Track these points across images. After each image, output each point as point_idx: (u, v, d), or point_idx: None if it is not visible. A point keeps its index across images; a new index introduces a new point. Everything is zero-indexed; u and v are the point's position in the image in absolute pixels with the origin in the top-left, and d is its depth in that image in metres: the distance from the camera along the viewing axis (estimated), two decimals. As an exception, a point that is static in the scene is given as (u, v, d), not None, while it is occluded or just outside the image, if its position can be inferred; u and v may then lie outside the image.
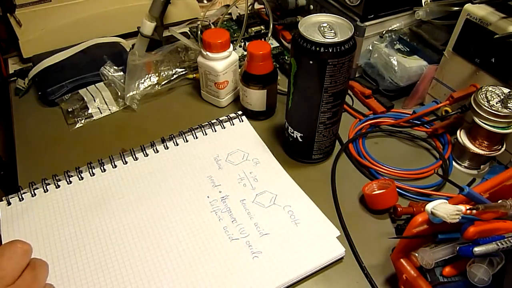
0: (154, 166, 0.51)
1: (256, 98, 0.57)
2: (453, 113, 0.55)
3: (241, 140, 0.55)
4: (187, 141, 0.55)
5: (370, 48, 0.62)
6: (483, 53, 0.51)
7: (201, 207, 0.47)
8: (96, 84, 0.63)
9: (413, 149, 0.57)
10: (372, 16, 0.59)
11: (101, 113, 0.60)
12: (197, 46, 0.67)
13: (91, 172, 0.50)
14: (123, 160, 0.51)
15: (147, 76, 0.62)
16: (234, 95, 0.63)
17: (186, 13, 0.77)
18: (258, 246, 0.43)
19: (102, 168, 0.50)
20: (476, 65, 0.53)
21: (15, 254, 0.37)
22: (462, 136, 0.53)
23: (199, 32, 0.71)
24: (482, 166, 0.54)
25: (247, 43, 0.70)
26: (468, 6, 0.51)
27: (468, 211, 0.33)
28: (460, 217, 0.33)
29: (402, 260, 0.39)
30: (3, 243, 0.43)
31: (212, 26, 0.72)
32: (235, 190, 0.49)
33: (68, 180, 0.49)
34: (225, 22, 0.76)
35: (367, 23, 0.59)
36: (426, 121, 0.58)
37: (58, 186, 0.48)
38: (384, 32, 0.62)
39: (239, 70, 0.61)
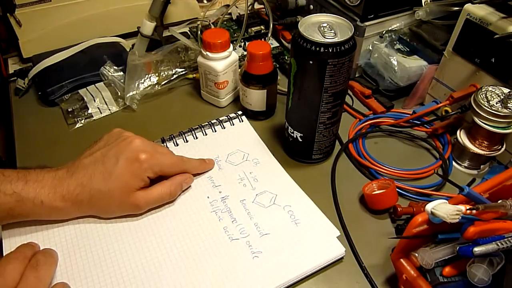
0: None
1: (256, 98, 0.57)
2: (453, 113, 0.55)
3: (241, 140, 0.55)
4: (187, 141, 0.55)
5: (370, 48, 0.62)
6: (483, 53, 0.51)
7: (201, 207, 0.47)
8: (96, 84, 0.63)
9: (413, 149, 0.57)
10: (372, 16, 0.59)
11: (101, 113, 0.60)
12: (197, 46, 0.67)
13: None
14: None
15: (147, 76, 0.62)
16: (234, 95, 0.63)
17: (186, 13, 0.77)
18: (258, 246, 0.43)
19: (102, 168, 0.50)
20: (476, 65, 0.53)
21: (15, 259, 0.37)
22: (462, 136, 0.53)
23: (199, 32, 0.71)
24: (482, 166, 0.54)
25: (247, 43, 0.70)
26: (468, 6, 0.51)
27: (468, 211, 0.33)
28: (460, 217, 0.33)
29: (402, 260, 0.39)
30: (3, 243, 0.43)
31: (212, 26, 0.72)
32: (235, 190, 0.49)
33: (68, 180, 0.49)
34: (225, 22, 0.76)
35: (367, 23, 0.59)
36: (426, 121, 0.58)
37: (58, 186, 0.48)
38: (384, 32, 0.62)
39: (239, 70, 0.61)
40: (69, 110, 0.60)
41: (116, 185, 0.42)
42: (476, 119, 0.49)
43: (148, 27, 0.66)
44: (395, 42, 0.62)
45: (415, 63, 0.59)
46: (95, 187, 0.42)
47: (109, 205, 0.44)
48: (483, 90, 0.49)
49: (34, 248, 0.40)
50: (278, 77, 0.59)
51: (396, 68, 0.59)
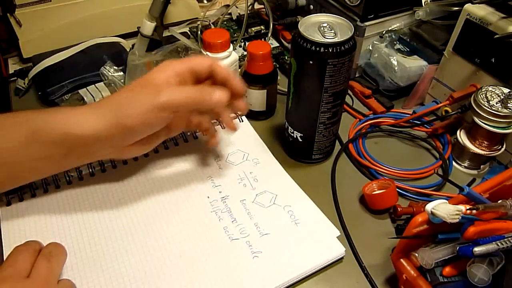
0: (154, 166, 0.51)
1: (256, 98, 0.57)
2: (453, 113, 0.55)
3: (241, 140, 0.55)
4: (187, 141, 0.55)
5: (370, 48, 0.62)
6: (483, 53, 0.51)
7: (201, 207, 0.47)
8: (96, 84, 0.63)
9: (413, 149, 0.57)
10: (372, 16, 0.59)
11: (101, 113, 0.60)
12: (197, 46, 0.67)
13: (91, 172, 0.50)
14: (123, 160, 0.51)
15: (147, 76, 0.62)
16: (234, 95, 0.63)
17: (186, 13, 0.77)
18: (258, 246, 0.43)
19: (102, 168, 0.50)
20: (476, 65, 0.53)
21: (25, 250, 0.37)
22: (462, 136, 0.53)
23: (199, 32, 0.71)
24: (482, 166, 0.54)
25: (247, 43, 0.70)
26: (468, 6, 0.51)
27: (468, 211, 0.33)
28: (460, 217, 0.33)
29: (402, 260, 0.39)
30: (3, 243, 0.43)
31: (212, 26, 0.72)
32: (235, 190, 0.49)
33: (68, 180, 0.49)
34: (225, 22, 0.76)
35: (367, 23, 0.59)
36: (426, 121, 0.58)
37: (58, 187, 0.48)
38: (384, 32, 0.62)
39: (239, 70, 0.61)
40: (69, 110, 0.60)
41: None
42: (476, 119, 0.49)
43: (148, 27, 0.66)
44: (395, 42, 0.62)
45: (415, 63, 0.59)
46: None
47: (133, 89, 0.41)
48: (483, 90, 0.49)
49: (41, 243, 0.40)
50: (278, 77, 0.59)
51: (396, 68, 0.59)
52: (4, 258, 0.40)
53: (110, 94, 0.41)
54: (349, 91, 0.65)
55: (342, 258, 0.44)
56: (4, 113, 0.40)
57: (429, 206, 0.34)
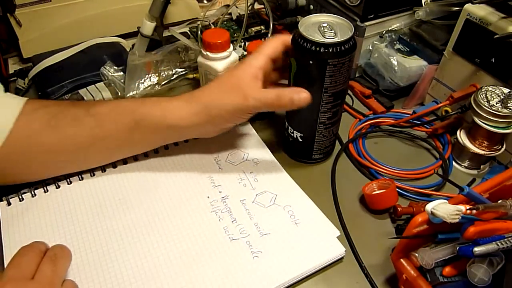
0: (154, 166, 0.51)
1: (256, 98, 0.57)
2: (453, 113, 0.55)
3: (241, 140, 0.55)
4: (187, 141, 0.55)
5: (370, 48, 0.62)
6: (483, 53, 0.51)
7: (201, 207, 0.47)
8: (96, 84, 0.63)
9: (413, 149, 0.57)
10: (372, 16, 0.59)
11: (101, 113, 0.60)
12: (197, 46, 0.67)
13: (91, 173, 0.50)
14: (123, 160, 0.51)
15: (147, 76, 0.62)
16: (234, 95, 0.62)
17: (186, 13, 0.77)
18: (258, 246, 0.43)
19: (102, 168, 0.50)
20: (476, 65, 0.53)
21: (30, 251, 0.37)
22: (462, 136, 0.53)
23: (199, 32, 0.71)
24: (482, 166, 0.54)
25: (247, 43, 0.70)
26: (468, 6, 0.51)
27: (468, 211, 0.33)
28: (460, 217, 0.33)
29: (402, 260, 0.39)
30: (3, 243, 0.43)
31: (212, 26, 0.72)
32: (235, 190, 0.49)
33: (68, 180, 0.49)
34: (225, 22, 0.76)
35: (367, 23, 0.59)
36: (426, 121, 0.58)
37: (58, 187, 0.48)
38: (384, 32, 0.62)
39: (239, 70, 0.60)
40: (69, 110, 0.60)
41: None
42: (476, 119, 0.49)
43: (148, 27, 0.66)
44: (395, 42, 0.62)
45: (415, 63, 0.59)
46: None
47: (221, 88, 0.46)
48: (483, 90, 0.49)
49: (46, 244, 0.40)
50: (278, 77, 0.59)
51: (396, 68, 0.59)
52: (4, 258, 0.40)
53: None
54: (349, 91, 0.65)
55: (342, 258, 0.44)
56: (113, 100, 0.51)
57: (429, 206, 0.34)
